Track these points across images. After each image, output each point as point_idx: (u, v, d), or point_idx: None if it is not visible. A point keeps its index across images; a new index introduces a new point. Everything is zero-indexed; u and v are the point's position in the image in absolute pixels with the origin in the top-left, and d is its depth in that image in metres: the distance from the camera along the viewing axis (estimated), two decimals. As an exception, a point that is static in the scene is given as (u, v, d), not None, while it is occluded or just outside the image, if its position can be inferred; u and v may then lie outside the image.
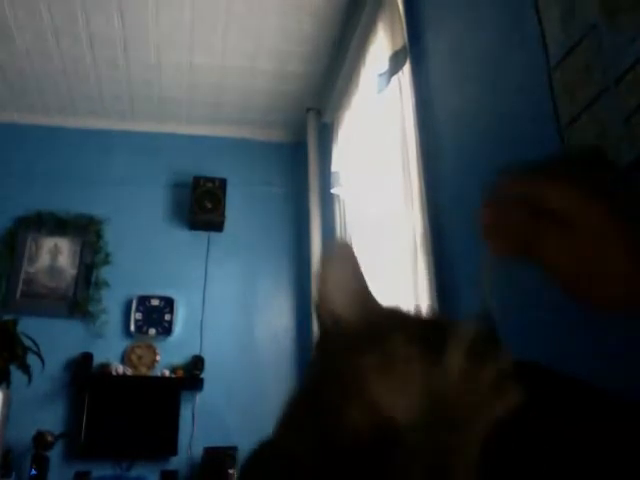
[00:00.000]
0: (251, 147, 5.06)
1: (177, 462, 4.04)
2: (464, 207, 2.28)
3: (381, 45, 3.08)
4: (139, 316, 4.42)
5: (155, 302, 4.46)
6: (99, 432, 4.01)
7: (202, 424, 4.16)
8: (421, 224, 2.60)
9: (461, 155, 2.32)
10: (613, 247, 0.36)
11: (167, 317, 4.44)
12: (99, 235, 4.55)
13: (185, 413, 4.17)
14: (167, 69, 4.33)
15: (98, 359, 4.21)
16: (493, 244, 0.38)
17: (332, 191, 4.08)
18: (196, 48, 4.12)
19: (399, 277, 2.89)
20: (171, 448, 4.04)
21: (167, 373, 4.24)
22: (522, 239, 0.38)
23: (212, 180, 4.74)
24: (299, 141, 5.00)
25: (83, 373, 4.14)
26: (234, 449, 4.01)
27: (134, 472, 3.82)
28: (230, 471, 3.86)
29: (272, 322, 4.62)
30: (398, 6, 2.93)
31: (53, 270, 4.46)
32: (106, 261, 4.49)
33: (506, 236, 0.38)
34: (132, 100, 4.70)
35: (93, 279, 4.44)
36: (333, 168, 4.04)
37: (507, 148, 1.94)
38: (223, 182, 4.75)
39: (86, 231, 4.55)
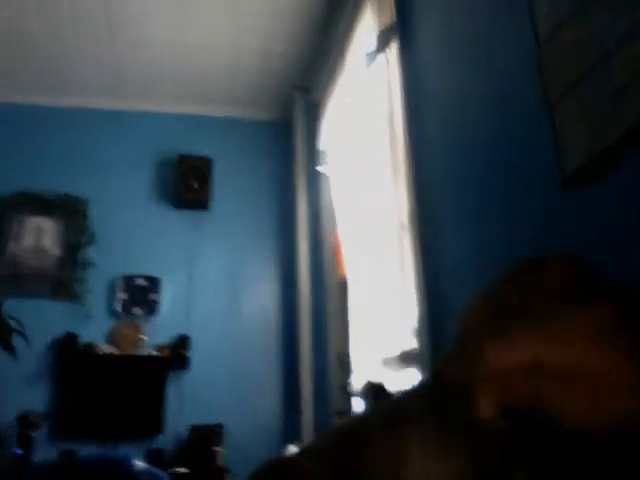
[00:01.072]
0: (237, 126, 5.02)
1: (163, 440, 4.05)
2: (451, 186, 2.28)
3: (369, 23, 3.06)
4: (124, 296, 4.40)
5: (141, 282, 4.44)
6: (84, 411, 4.00)
7: (188, 403, 4.17)
8: (408, 203, 2.60)
9: (448, 134, 2.32)
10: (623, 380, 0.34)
11: (153, 297, 4.42)
12: (84, 215, 4.51)
13: (171, 392, 4.18)
14: (152, 47, 4.28)
15: (83, 339, 4.20)
16: (491, 415, 0.36)
17: (318, 169, 4.07)
18: (182, 26, 4.06)
19: (385, 256, 2.90)
20: (157, 427, 4.05)
21: (153, 352, 4.24)
22: (524, 402, 0.35)
23: (198, 159, 4.70)
24: (286, 119, 4.97)
25: (68, 353, 4.13)
26: (220, 427, 4.03)
27: (120, 451, 3.82)
28: (216, 449, 3.88)
29: (258, 301, 4.62)
30: (386, -17, 2.90)
31: (38, 250, 4.42)
32: (91, 241, 4.46)
33: (505, 405, 0.36)
34: (117, 78, 4.64)
35: (78, 259, 4.41)
36: (320, 147, 4.03)
37: (495, 126, 1.94)
38: (209, 161, 4.72)
39: (71, 211, 4.51)
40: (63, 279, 4.36)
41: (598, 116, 1.38)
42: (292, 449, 2.96)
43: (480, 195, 2.05)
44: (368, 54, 3.01)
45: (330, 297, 3.93)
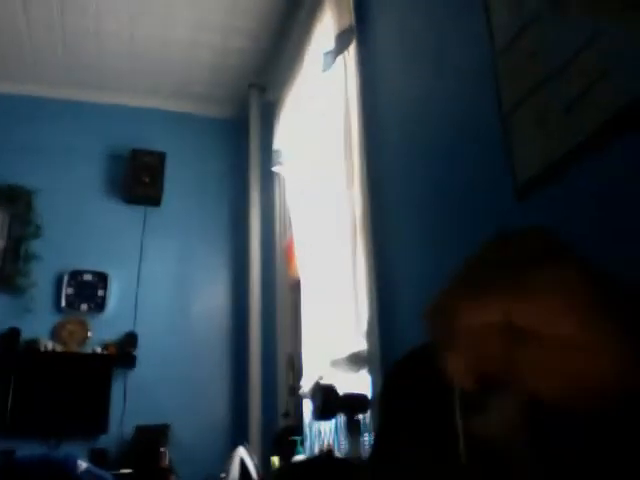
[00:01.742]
0: (192, 122, 4.95)
1: (107, 440, 3.97)
2: (405, 190, 2.30)
3: (327, 24, 3.05)
4: (70, 291, 4.29)
5: (88, 277, 4.34)
6: (26, 409, 3.89)
7: (134, 402, 4.09)
8: (361, 204, 2.60)
9: (404, 136, 2.33)
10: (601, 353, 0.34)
11: (100, 293, 4.33)
12: (29, 206, 4.38)
13: (117, 390, 4.09)
14: (107, 37, 4.18)
15: (26, 335, 4.07)
16: (464, 383, 0.36)
17: (273, 169, 4.05)
18: (138, 17, 3.98)
19: (338, 257, 2.90)
20: (101, 426, 3.96)
21: (99, 350, 4.15)
22: (495, 368, 0.35)
23: (151, 153, 4.62)
24: (241, 118, 4.93)
25: (10, 349, 4.00)
26: (166, 427, 3.97)
27: (63, 450, 3.72)
28: (162, 449, 3.82)
29: (208, 300, 4.57)
30: (346, -15, 2.91)
31: (-21, 242, 4.28)
32: (36, 234, 4.33)
33: (477, 371, 0.35)
34: (69, 68, 4.52)
35: (22, 252, 4.28)
36: (275, 146, 4.01)
37: (450, 130, 1.96)
38: (162, 156, 4.64)
39: (15, 202, 4.37)
40: (6, 272, 4.22)
41: (552, 126, 1.40)
42: (241, 451, 2.93)
43: (434, 200, 2.07)
44: (326, 54, 3.01)
45: (281, 298, 3.91)
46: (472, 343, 0.33)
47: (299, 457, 2.79)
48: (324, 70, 3.04)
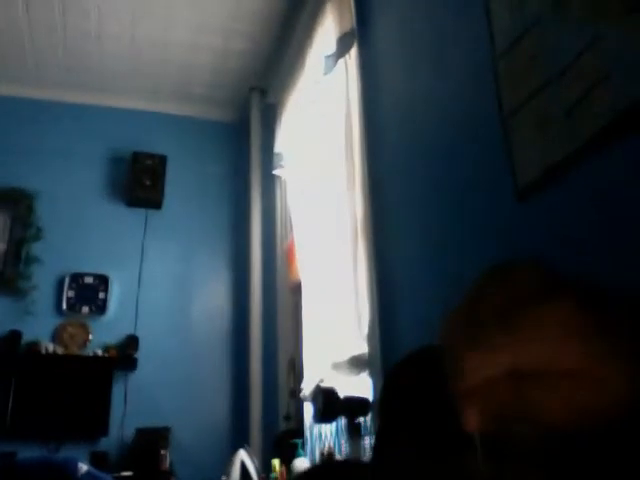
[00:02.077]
0: (193, 125, 4.96)
1: (108, 443, 3.96)
2: (406, 193, 2.30)
3: (329, 27, 3.06)
4: (72, 294, 4.29)
5: (89, 280, 4.34)
6: (26, 412, 3.89)
7: (135, 404, 4.09)
8: (362, 208, 2.61)
9: (405, 138, 2.33)
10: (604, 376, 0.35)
11: (101, 295, 4.33)
12: (30, 209, 4.38)
13: (117, 393, 4.09)
14: (108, 39, 4.19)
15: (27, 337, 4.07)
16: (479, 427, 0.37)
17: (274, 172, 4.05)
18: (139, 20, 3.99)
19: (339, 260, 2.90)
20: (102, 429, 3.96)
21: (100, 353, 4.15)
22: (509, 412, 0.37)
23: (152, 156, 4.63)
24: (242, 121, 4.93)
25: (11, 351, 4.00)
26: (167, 430, 3.96)
27: (63, 453, 3.72)
28: (162, 452, 3.82)
29: (208, 303, 4.57)
30: (347, -12, 2.91)
31: (-20, 245, 4.28)
32: (37, 236, 4.33)
33: (491, 415, 0.37)
34: (70, 69, 4.52)
35: (23, 255, 4.28)
36: (276, 149, 4.01)
37: (450, 132, 1.96)
38: (163, 159, 4.64)
39: (16, 205, 4.37)
40: (7, 274, 4.23)
41: (553, 128, 1.40)
42: (241, 454, 2.93)
43: (434, 201, 2.07)
44: (327, 57, 3.01)
45: (282, 300, 3.91)
46: (483, 393, 0.34)
47: (300, 460, 2.78)
48: (325, 73, 3.04)
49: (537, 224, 1.46)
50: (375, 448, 0.78)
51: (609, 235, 1.23)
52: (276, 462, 2.79)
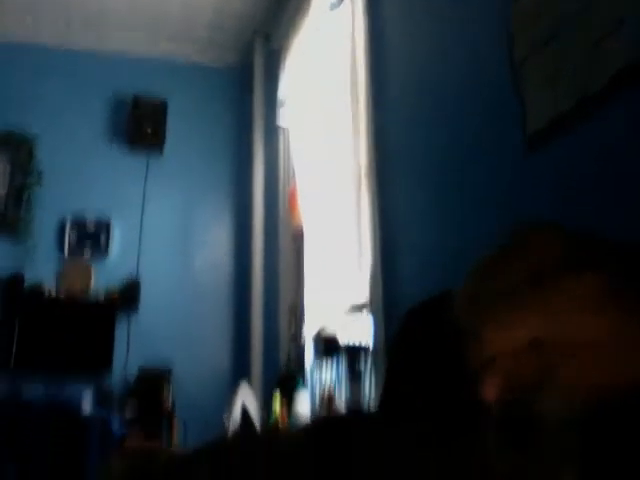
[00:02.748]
0: (195, 70, 4.88)
1: (111, 382, 4.03)
2: (412, 139, 2.29)
3: (336, -31, 2.99)
4: (73, 236, 4.31)
5: (90, 224, 4.35)
6: (31, 353, 3.95)
7: (137, 346, 4.16)
8: (366, 154, 2.60)
9: (412, 84, 2.31)
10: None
11: (103, 238, 4.35)
12: (31, 153, 4.35)
13: (120, 335, 4.15)
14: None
15: (30, 280, 4.10)
16: (498, 397, 0.36)
17: (277, 118, 4.01)
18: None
19: (342, 207, 2.90)
20: (105, 368, 4.03)
21: (102, 295, 4.19)
22: (531, 384, 0.36)
23: (153, 101, 4.57)
24: (245, 66, 4.86)
25: (14, 294, 4.03)
26: (169, 370, 4.04)
27: (67, 391, 3.80)
28: (164, 391, 3.90)
29: (210, 248, 4.60)
30: None
31: (-19, 189, 4.27)
32: (39, 180, 4.32)
33: (510, 385, 0.36)
34: (70, 13, 4.42)
35: (24, 199, 4.27)
36: (279, 96, 3.96)
37: (459, 78, 1.94)
38: (164, 104, 4.59)
39: (17, 149, 4.34)
40: (8, 219, 4.23)
41: (565, 76, 1.39)
42: (242, 394, 2.99)
43: (441, 149, 2.06)
44: (332, 1, 2.95)
45: (284, 246, 3.93)
46: (505, 363, 0.34)
47: (301, 395, 2.83)
48: (331, 9, 2.98)
49: (546, 175, 1.46)
50: (386, 385, 0.79)
51: (621, 185, 1.23)
52: (277, 397, 2.84)
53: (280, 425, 2.73)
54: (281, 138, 4.15)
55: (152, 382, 3.97)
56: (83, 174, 4.42)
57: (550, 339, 0.34)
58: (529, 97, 1.51)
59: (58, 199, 4.31)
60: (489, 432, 0.39)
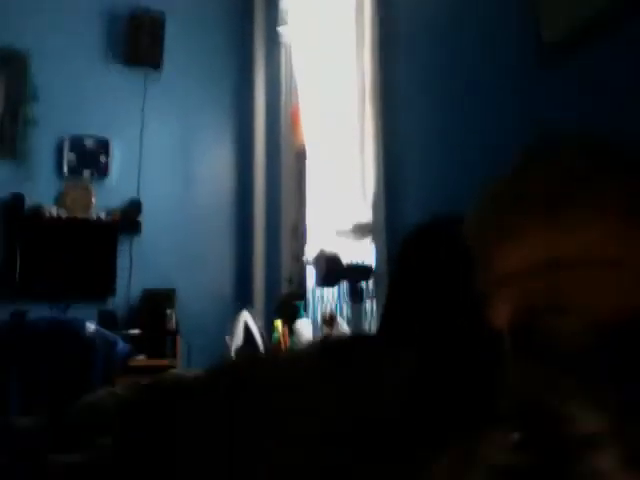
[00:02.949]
0: (193, -21, 4.67)
1: (115, 303, 4.07)
2: (419, 56, 2.18)
3: None
4: (72, 157, 4.24)
5: (89, 143, 4.27)
6: (34, 274, 3.96)
7: (140, 267, 4.16)
8: (371, 72, 2.49)
9: (420, 4, 2.17)
10: None
11: (102, 159, 4.27)
12: (26, 68, 4.22)
13: (123, 256, 4.15)
14: None
15: (30, 202, 4.06)
16: (509, 319, 0.32)
17: (279, 30, 3.85)
18: None
19: (345, 127, 2.82)
20: (109, 289, 4.05)
21: (103, 216, 4.16)
22: (544, 301, 0.32)
23: (150, 13, 4.39)
24: (245, -23, 4.64)
25: (15, 214, 4.00)
26: (172, 291, 4.06)
27: (71, 313, 3.83)
28: (168, 311, 3.94)
29: (212, 167, 4.54)
30: None
31: (-25, 105, 4.17)
32: (34, 97, 4.20)
33: (523, 307, 0.33)
34: None
35: (21, 117, 4.17)
36: (282, 5, 3.79)
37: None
38: (162, 16, 4.41)
39: (11, 64, 4.20)
40: (6, 137, 4.15)
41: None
42: (245, 314, 3.00)
43: (448, 65, 1.96)
44: None
45: (286, 166, 3.86)
46: (517, 283, 0.31)
47: (302, 321, 2.86)
48: None
49: (563, 90, 1.37)
50: (388, 299, 0.77)
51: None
52: (278, 322, 2.86)
53: (282, 346, 2.74)
54: (283, 54, 4.00)
55: (156, 301, 4.00)
56: (80, 93, 4.30)
57: (567, 258, 0.31)
58: (545, 4, 1.40)
59: (55, 119, 4.21)
60: (503, 357, 0.38)
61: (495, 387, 0.39)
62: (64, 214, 4.12)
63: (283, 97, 3.96)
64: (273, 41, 4.10)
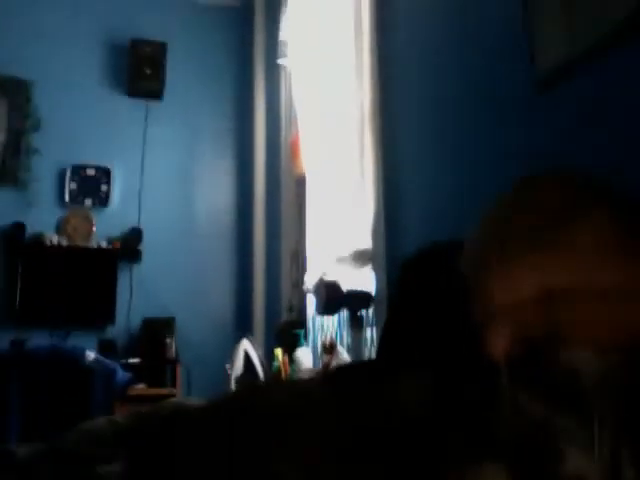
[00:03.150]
0: (194, 9, 4.73)
1: (115, 332, 4.06)
2: (418, 77, 2.20)
3: None
4: (74, 186, 4.26)
5: (91, 171, 4.30)
6: (34, 302, 3.95)
7: (140, 295, 4.16)
8: (370, 96, 2.51)
9: (418, 21, 2.21)
10: None
11: (103, 187, 4.30)
12: (28, 98, 4.26)
13: (123, 284, 4.14)
14: None
15: (31, 230, 4.07)
16: (506, 351, 0.33)
17: (279, 61, 3.90)
18: None
19: (345, 153, 2.84)
20: (108, 318, 4.04)
21: (104, 245, 4.17)
22: (540, 335, 0.33)
23: (152, 44, 4.45)
24: (246, 6, 4.71)
25: (16, 242, 4.01)
26: (172, 319, 4.05)
27: (71, 341, 3.82)
28: (168, 340, 3.92)
29: (212, 195, 4.55)
30: None
31: (-21, 135, 4.20)
32: (37, 127, 4.24)
33: (519, 338, 0.34)
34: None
35: (23, 146, 4.21)
36: (281, 37, 3.84)
37: (467, 12, 1.85)
38: (163, 46, 4.47)
39: (14, 94, 4.25)
40: (8, 166, 4.17)
41: (581, 11, 1.30)
42: (245, 343, 2.99)
43: (447, 90, 1.98)
44: None
45: (286, 193, 3.87)
46: (513, 314, 0.32)
47: (302, 350, 2.84)
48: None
49: (558, 117, 1.39)
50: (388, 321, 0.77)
51: (636, 130, 1.16)
52: (278, 351, 2.85)
53: (283, 375, 2.73)
54: (283, 79, 4.04)
55: (156, 330, 3.99)
56: (81, 120, 4.34)
57: (561, 288, 0.31)
58: (541, 33, 1.42)
59: (57, 147, 4.24)
60: (500, 390, 0.38)
61: (493, 419, 0.39)
62: (65, 242, 4.13)
63: (283, 125, 4.00)
64: (273, 71, 4.14)
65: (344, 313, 2.67)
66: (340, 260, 2.80)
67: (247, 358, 2.92)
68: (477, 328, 0.34)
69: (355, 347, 2.58)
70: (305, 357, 2.79)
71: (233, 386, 2.88)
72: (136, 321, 4.06)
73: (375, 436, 0.43)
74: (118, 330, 4.06)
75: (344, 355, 2.54)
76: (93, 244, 4.17)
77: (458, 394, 0.44)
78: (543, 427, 0.37)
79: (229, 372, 2.91)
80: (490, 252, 0.34)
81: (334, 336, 2.91)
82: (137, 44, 4.42)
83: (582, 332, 0.32)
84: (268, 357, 3.09)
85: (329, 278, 2.56)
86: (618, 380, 0.35)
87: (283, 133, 3.98)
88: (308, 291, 3.29)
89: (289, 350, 2.85)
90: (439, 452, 0.41)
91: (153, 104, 4.49)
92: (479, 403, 0.41)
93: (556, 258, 0.31)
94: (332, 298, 2.48)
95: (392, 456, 0.42)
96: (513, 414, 0.37)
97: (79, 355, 3.21)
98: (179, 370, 3.90)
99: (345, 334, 2.81)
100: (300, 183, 3.75)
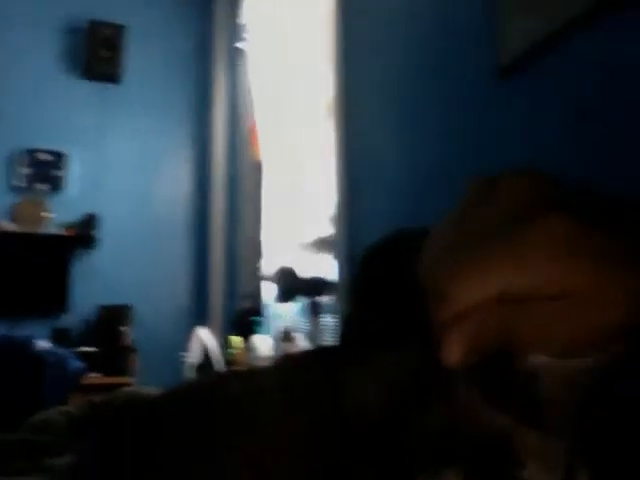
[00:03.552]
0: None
1: (69, 320, 3.97)
2: (380, 68, 2.20)
3: None
4: (27, 171, 4.14)
5: (45, 156, 4.18)
6: (-17, 289, 3.84)
7: (96, 283, 4.07)
8: (333, 84, 2.50)
9: (382, 10, 2.20)
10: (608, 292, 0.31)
11: (58, 172, 4.19)
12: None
13: (78, 271, 4.06)
14: None
15: (-19, 216, 3.95)
16: (462, 360, 0.33)
17: (238, 45, 3.85)
18: None
19: (306, 140, 2.83)
20: (62, 306, 3.95)
21: (58, 231, 4.07)
22: (496, 341, 0.32)
23: (110, 26, 4.35)
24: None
25: (-35, 228, 3.89)
26: (128, 307, 3.99)
27: (24, 329, 3.72)
28: (124, 328, 3.86)
29: (171, 182, 4.48)
30: None
31: None
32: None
33: (475, 347, 0.33)
34: None
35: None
36: (242, 20, 3.80)
37: (429, 3, 1.85)
38: (122, 29, 4.37)
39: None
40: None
41: (539, 3, 1.31)
42: (201, 331, 2.96)
43: (411, 77, 1.98)
44: None
45: (245, 180, 3.84)
46: (469, 321, 0.31)
47: (259, 337, 2.83)
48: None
49: (518, 104, 1.40)
50: (348, 317, 0.76)
51: (592, 114, 1.18)
52: (234, 338, 2.83)
53: (239, 362, 2.71)
54: (243, 66, 3.99)
55: (112, 318, 3.92)
56: (35, 103, 4.22)
57: (519, 292, 0.30)
58: (502, 21, 1.42)
59: (9, 130, 4.11)
60: (459, 393, 0.38)
61: (449, 426, 0.39)
62: (17, 229, 4.02)
63: (242, 111, 3.96)
64: (233, 51, 4.09)
65: (302, 300, 2.67)
66: (300, 247, 2.79)
67: (205, 347, 2.90)
68: (434, 334, 0.33)
69: (314, 334, 2.58)
70: (263, 344, 2.78)
71: (191, 375, 2.86)
72: (91, 309, 3.98)
73: (327, 434, 0.42)
74: (73, 318, 3.98)
75: (302, 342, 2.54)
76: (47, 230, 4.07)
77: (416, 399, 0.43)
78: (501, 436, 0.36)
79: (186, 360, 2.88)
80: (445, 256, 0.33)
81: (293, 324, 2.91)
82: (95, 26, 4.32)
83: (538, 337, 0.31)
84: (225, 344, 3.07)
85: (287, 266, 2.56)
86: (577, 388, 0.35)
87: (242, 119, 3.94)
88: (266, 279, 3.28)
89: (245, 337, 2.84)
90: (394, 457, 0.41)
91: (111, 88, 4.39)
92: (435, 409, 0.40)
93: (515, 261, 0.30)
94: (289, 285, 2.47)
95: (346, 455, 0.41)
96: (469, 421, 0.37)
97: (28, 343, 3.13)
98: (135, 359, 3.84)
99: (303, 321, 2.81)
100: (259, 170, 3.72)
